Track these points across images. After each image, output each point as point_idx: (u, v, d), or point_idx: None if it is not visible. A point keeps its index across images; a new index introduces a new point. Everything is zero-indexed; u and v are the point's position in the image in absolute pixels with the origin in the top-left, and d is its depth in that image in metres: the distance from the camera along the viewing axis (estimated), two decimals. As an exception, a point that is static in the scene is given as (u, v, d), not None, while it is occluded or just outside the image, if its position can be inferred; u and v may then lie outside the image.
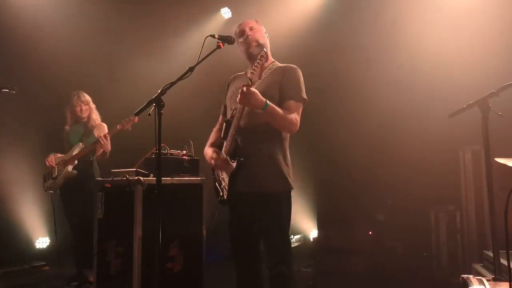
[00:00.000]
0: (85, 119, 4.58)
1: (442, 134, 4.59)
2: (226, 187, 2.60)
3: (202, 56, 2.53)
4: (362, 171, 5.45)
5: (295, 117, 2.55)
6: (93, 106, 4.63)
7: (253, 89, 2.38)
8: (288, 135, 2.68)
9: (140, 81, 5.78)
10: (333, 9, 5.70)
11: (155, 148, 3.22)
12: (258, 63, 2.41)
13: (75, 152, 4.39)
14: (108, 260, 3.17)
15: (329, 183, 5.61)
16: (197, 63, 2.53)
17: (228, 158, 2.55)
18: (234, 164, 2.52)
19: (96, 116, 4.63)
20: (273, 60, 2.77)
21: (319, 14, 5.80)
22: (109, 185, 3.21)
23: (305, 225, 5.78)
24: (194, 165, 3.48)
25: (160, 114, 2.34)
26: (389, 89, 5.21)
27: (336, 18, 5.67)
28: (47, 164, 4.44)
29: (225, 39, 2.65)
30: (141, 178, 3.05)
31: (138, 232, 2.94)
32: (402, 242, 5.04)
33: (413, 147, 4.98)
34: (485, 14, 4.57)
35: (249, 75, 2.41)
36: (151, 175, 3.21)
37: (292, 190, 2.64)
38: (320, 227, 5.16)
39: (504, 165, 2.20)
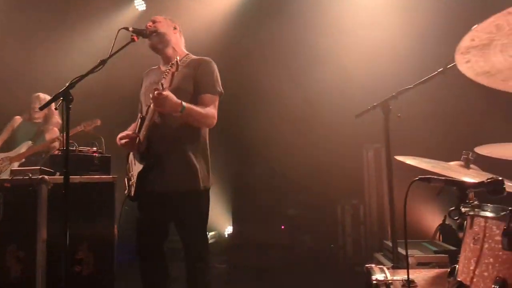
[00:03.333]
0: (40, 120, 4.48)
1: (347, 133, 4.90)
2: (134, 184, 2.55)
3: (115, 49, 2.44)
4: (275, 168, 5.63)
5: (212, 111, 2.55)
6: (54, 111, 4.47)
7: (166, 93, 2.31)
8: (207, 130, 2.67)
9: (49, 75, 5.35)
10: (252, 5, 5.77)
11: (62, 145, 3.04)
12: (169, 69, 2.34)
13: (22, 150, 4.29)
14: (8, 265, 2.91)
15: (244, 180, 5.70)
16: (110, 56, 2.42)
17: (138, 136, 2.49)
18: (144, 164, 2.47)
19: (56, 120, 4.51)
20: (187, 53, 2.75)
21: (238, 9, 5.83)
22: (8, 185, 2.94)
23: (219, 222, 5.82)
24: (105, 162, 3.32)
25: (68, 109, 2.20)
26: (299, 89, 5.44)
27: (253, 15, 5.75)
28: None
29: (140, 33, 2.58)
30: (46, 176, 2.84)
31: (42, 235, 2.74)
32: (311, 235, 5.30)
33: (321, 145, 5.26)
34: (390, 20, 4.95)
35: (162, 80, 2.36)
36: (58, 173, 3.01)
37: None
38: (234, 223, 5.23)
39: (403, 162, 2.40)
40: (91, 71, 2.35)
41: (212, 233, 5.75)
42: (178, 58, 2.38)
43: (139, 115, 2.80)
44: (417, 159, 2.21)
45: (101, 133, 3.48)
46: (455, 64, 2.38)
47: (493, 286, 1.20)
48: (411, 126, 4.11)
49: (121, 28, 2.50)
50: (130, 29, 2.53)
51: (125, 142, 2.54)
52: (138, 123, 2.58)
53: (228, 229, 5.75)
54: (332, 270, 4.92)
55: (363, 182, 5.05)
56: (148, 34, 2.62)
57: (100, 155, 3.31)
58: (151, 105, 2.39)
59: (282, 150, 5.64)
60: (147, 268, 2.64)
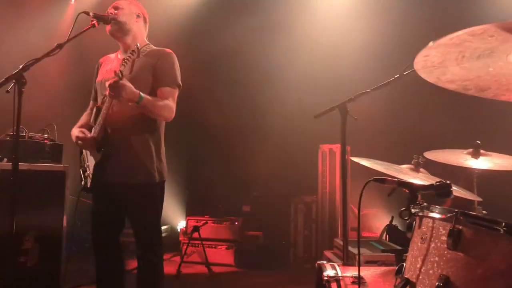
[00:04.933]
0: None
1: (303, 132, 4.99)
2: (90, 175, 2.48)
3: (73, 34, 2.36)
4: (231, 164, 5.66)
5: (171, 104, 2.50)
6: None
7: (123, 82, 2.26)
8: (164, 123, 2.63)
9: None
10: (215, 5, 5.73)
11: (11, 130, 2.90)
12: (129, 57, 2.29)
13: None
14: None
15: (199, 175, 5.68)
16: (67, 40, 2.34)
17: (94, 137, 2.43)
18: (101, 154, 2.41)
19: None
20: (148, 42, 2.68)
21: (204, 6, 5.77)
22: (-52, 170, 2.77)
23: (173, 216, 5.76)
24: (57, 150, 3.21)
25: (20, 93, 2.11)
26: (259, 88, 5.48)
27: (217, 14, 5.70)
28: None
29: (101, 18, 2.50)
30: (-8, 162, 2.71)
31: (-15, 223, 2.60)
32: (264, 231, 5.36)
33: (278, 143, 5.34)
34: (352, 24, 5.08)
35: (120, 67, 2.30)
36: (5, 159, 2.87)
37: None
38: (188, 218, 5.19)
39: (354, 163, 2.48)
40: (47, 54, 2.26)
41: (165, 227, 5.68)
42: (138, 45, 2.33)
43: (91, 103, 2.73)
44: (371, 161, 2.30)
45: (54, 119, 3.34)
46: (411, 71, 2.50)
47: (437, 283, 1.27)
48: (366, 129, 4.25)
49: (81, 12, 2.42)
50: (91, 13, 2.45)
51: (82, 143, 2.48)
52: (94, 113, 2.51)
53: (181, 224, 5.71)
54: (283, 267, 5.01)
55: (317, 181, 5.17)
56: (109, 21, 2.55)
57: (51, 142, 3.19)
58: (108, 96, 2.32)
59: (239, 147, 5.67)
60: (102, 261, 2.58)
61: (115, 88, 2.24)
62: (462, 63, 1.28)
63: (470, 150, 2.57)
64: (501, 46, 1.21)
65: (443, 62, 1.30)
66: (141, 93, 2.34)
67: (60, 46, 2.30)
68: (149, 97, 2.40)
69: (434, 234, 1.37)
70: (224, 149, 5.71)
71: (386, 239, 4.32)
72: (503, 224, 1.25)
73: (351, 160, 2.56)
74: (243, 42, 5.52)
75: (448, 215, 1.34)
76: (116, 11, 2.57)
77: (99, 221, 2.58)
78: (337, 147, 4.90)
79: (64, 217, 3.14)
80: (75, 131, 2.54)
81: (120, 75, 2.25)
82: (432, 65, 1.31)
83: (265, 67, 5.47)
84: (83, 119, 2.70)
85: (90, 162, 2.51)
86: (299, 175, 5.27)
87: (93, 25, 2.46)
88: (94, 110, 2.52)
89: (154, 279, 2.51)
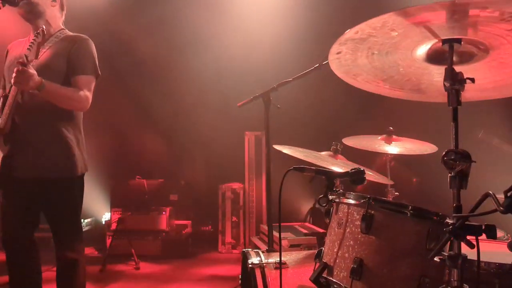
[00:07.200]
0: None
1: (230, 121, 5.01)
2: None
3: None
4: (158, 154, 5.54)
5: (85, 94, 2.35)
6: None
7: (29, 69, 2.11)
8: (81, 113, 2.50)
9: None
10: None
11: None
12: (34, 40, 2.13)
13: None
14: None
15: (124, 165, 5.50)
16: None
17: None
18: (8, 148, 2.25)
19: None
20: (63, 27, 2.52)
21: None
22: None
23: (97, 208, 5.53)
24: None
25: None
26: (186, 77, 5.39)
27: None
28: None
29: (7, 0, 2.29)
30: None
31: None
32: (193, 220, 5.34)
33: (205, 132, 5.31)
34: (274, 14, 5.13)
35: (25, 51, 2.13)
36: None
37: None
38: (113, 210, 5.01)
39: (280, 151, 2.55)
40: None
41: (88, 220, 5.45)
42: (43, 27, 2.17)
43: (1, 92, 2.52)
44: (292, 149, 2.36)
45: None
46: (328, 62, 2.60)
47: (351, 265, 1.35)
48: (289, 117, 4.36)
49: (-18, -8, 2.21)
50: (-7, -7, 2.24)
51: None
52: (1, 102, 2.32)
53: (106, 216, 5.50)
54: (211, 254, 5.04)
55: (244, 168, 5.23)
56: (16, 2, 2.34)
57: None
58: (12, 83, 2.15)
59: (165, 135, 5.57)
60: (15, 261, 2.40)
61: (21, 76, 2.08)
62: (373, 62, 1.34)
63: (384, 136, 2.73)
64: (403, 42, 1.28)
65: (356, 60, 1.34)
66: (43, 81, 2.17)
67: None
68: (54, 85, 2.24)
69: (349, 219, 1.45)
70: (150, 138, 5.56)
71: (310, 222, 4.52)
72: (410, 207, 1.35)
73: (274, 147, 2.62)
74: (168, 27, 5.36)
75: (362, 201, 1.41)
76: None
77: (10, 218, 2.39)
78: (263, 134, 4.97)
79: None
80: None
81: (26, 60, 2.09)
82: (346, 64, 1.36)
83: (190, 56, 5.38)
84: None
85: (-4, 156, 2.33)
86: (227, 163, 5.29)
87: (-3, 7, 2.26)
88: (1, 99, 2.33)
89: (74, 278, 2.40)
